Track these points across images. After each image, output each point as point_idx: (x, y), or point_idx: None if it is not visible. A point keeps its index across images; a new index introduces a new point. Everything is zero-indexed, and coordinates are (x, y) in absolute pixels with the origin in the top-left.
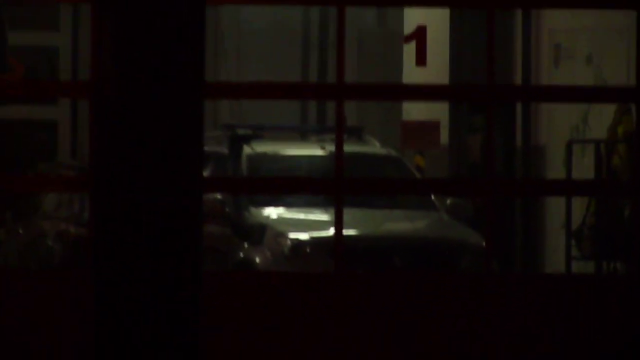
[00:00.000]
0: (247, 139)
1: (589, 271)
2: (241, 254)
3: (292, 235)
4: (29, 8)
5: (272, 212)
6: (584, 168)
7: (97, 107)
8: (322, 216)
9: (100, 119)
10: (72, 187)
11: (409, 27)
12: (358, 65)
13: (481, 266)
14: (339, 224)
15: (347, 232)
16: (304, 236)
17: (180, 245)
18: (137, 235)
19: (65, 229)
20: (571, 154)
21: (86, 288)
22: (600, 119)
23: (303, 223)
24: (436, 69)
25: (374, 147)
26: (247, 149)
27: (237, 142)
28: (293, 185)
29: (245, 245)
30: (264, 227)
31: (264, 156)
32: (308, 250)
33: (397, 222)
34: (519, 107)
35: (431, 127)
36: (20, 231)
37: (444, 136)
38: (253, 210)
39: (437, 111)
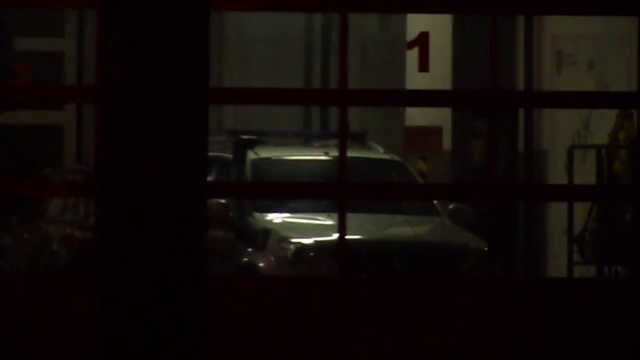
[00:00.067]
0: (251, 144)
1: (590, 276)
2: (245, 258)
3: (296, 239)
4: (34, 14)
5: (276, 217)
6: (586, 173)
7: (102, 112)
8: (326, 221)
9: (105, 123)
10: (77, 191)
11: (411, 33)
12: (361, 71)
13: (483, 271)
14: (342, 229)
15: (350, 236)
16: (307, 241)
17: (184, 250)
18: (140, 239)
19: (70, 233)
20: (573, 159)
21: (89, 291)
22: (602, 124)
23: (306, 228)
24: (439, 75)
25: (377, 153)
26: (251, 154)
27: (241, 147)
28: (296, 190)
29: (249, 249)
30: (267, 232)
31: (267, 161)
32: (311, 254)
33: (400, 227)
34: (521, 113)
35: (434, 132)
36: (26, 235)
37: (447, 141)
38: (257, 214)
39: (439, 116)
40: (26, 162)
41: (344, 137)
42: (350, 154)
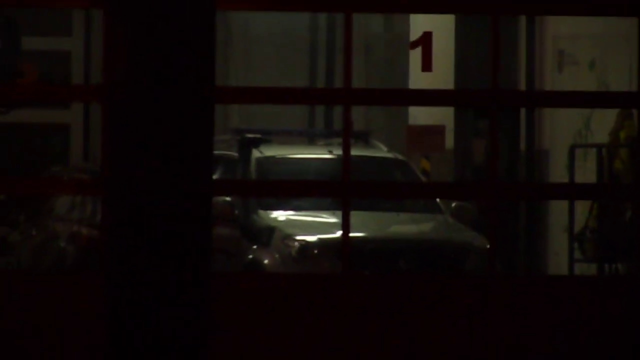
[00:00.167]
0: (256, 143)
1: (591, 273)
2: (250, 256)
3: (300, 237)
4: (42, 13)
5: (280, 215)
6: (587, 172)
7: (109, 111)
8: (330, 219)
9: (112, 122)
10: (84, 189)
11: (415, 33)
12: (365, 70)
13: (485, 268)
14: (346, 227)
15: (354, 234)
16: (311, 238)
17: (187, 249)
18: (142, 239)
19: (77, 230)
20: (574, 158)
21: (93, 291)
22: (603, 123)
23: (311, 225)
24: (442, 75)
25: (381, 151)
26: (256, 153)
27: (246, 146)
28: (301, 188)
29: (254, 247)
30: (272, 230)
31: (272, 160)
32: (315, 252)
33: (403, 225)
34: (522, 112)
35: (437, 131)
36: (34, 233)
37: (449, 140)
38: (261, 212)
39: (442, 116)
40: (33, 161)
41: (347, 135)
42: (354, 152)
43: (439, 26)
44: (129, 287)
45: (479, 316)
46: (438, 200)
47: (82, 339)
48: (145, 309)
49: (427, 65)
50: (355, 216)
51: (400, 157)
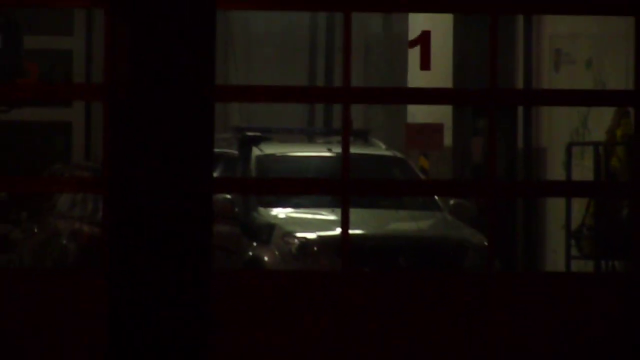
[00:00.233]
0: (256, 141)
1: (588, 270)
2: (250, 253)
3: (300, 234)
4: (43, 13)
5: (280, 212)
6: (584, 170)
7: (110, 110)
8: (329, 216)
9: (112, 122)
10: (85, 187)
11: (413, 32)
12: (364, 69)
13: (484, 265)
14: (345, 224)
15: (353, 231)
16: (311, 235)
17: (186, 249)
18: (145, 239)
19: (79, 228)
20: (571, 156)
21: (92, 290)
22: (600, 122)
23: (310, 223)
24: (440, 73)
25: (380, 149)
26: (256, 151)
27: (246, 144)
28: (301, 186)
29: (254, 244)
30: (272, 227)
31: (272, 158)
32: (315, 249)
33: (402, 222)
34: (520, 111)
35: (435, 129)
36: (36, 230)
37: (448, 138)
38: (262, 210)
39: (441, 114)
40: (36, 159)
41: (347, 134)
42: (353, 150)
43: (438, 25)
44: (129, 287)
45: (478, 313)
46: (436, 197)
47: (82, 339)
48: (145, 308)
49: (425, 64)
50: (354, 213)
51: (399, 155)
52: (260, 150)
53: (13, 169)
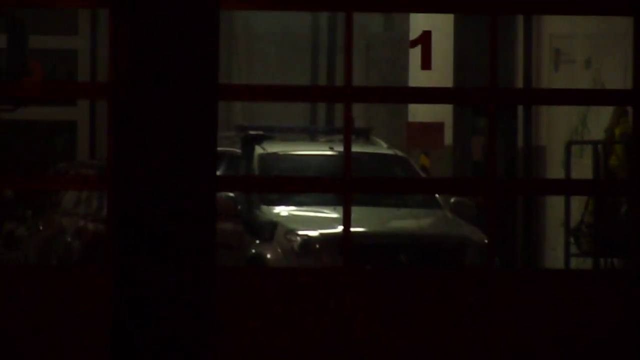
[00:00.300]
0: (259, 140)
1: (587, 267)
2: (253, 250)
3: (302, 232)
4: (48, 13)
5: (283, 210)
6: (583, 168)
7: (115, 109)
8: (331, 214)
9: (116, 122)
10: (90, 185)
11: (414, 32)
12: (366, 69)
13: (484, 262)
14: (347, 222)
15: (355, 229)
16: (313, 233)
17: (192, 248)
18: (147, 238)
19: (83, 225)
20: (570, 155)
21: (93, 290)
22: (599, 121)
23: (312, 220)
24: (441, 73)
25: (381, 148)
26: (258, 149)
27: (249, 143)
28: (303, 184)
29: (257, 242)
30: (274, 225)
31: (275, 156)
32: (317, 246)
33: (403, 220)
34: (520, 110)
35: (436, 128)
36: (41, 227)
37: (448, 137)
38: (264, 207)
39: (441, 113)
40: (41, 157)
41: (348, 132)
42: (355, 149)
43: (438, 25)
44: (130, 287)
45: (480, 309)
46: (437, 195)
47: (83, 340)
48: (146, 309)
49: (426, 64)
50: (356, 211)
51: (400, 153)
52: (263, 148)
53: (19, 167)
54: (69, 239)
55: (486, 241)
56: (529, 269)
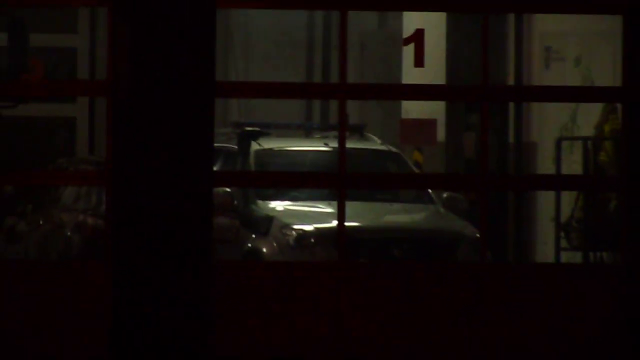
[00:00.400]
0: (255, 136)
1: (576, 261)
2: (249, 245)
3: (297, 226)
4: (48, 11)
5: (278, 205)
6: (573, 164)
7: (114, 109)
8: (326, 209)
9: (116, 120)
10: (89, 180)
11: (407, 30)
12: (360, 66)
13: (476, 256)
14: (341, 216)
15: (349, 223)
16: (308, 228)
17: (190, 248)
18: (145, 238)
19: (82, 220)
20: (560, 151)
21: (93, 288)
22: (588, 117)
23: (307, 215)
24: (434, 70)
25: (375, 144)
26: (254, 145)
27: (245, 139)
28: (298, 180)
29: (253, 236)
30: (270, 219)
31: (270, 152)
32: (312, 240)
33: (396, 215)
34: (511, 106)
35: (429, 124)
36: (41, 222)
37: (441, 133)
38: (260, 202)
39: (434, 110)
40: (41, 153)
41: (343, 129)
42: (349, 145)
43: (431, 24)
44: (130, 287)
45: (473, 303)
46: (430, 191)
47: (82, 339)
48: (145, 308)
49: (419, 61)
50: (350, 206)
51: (393, 149)
52: (259, 144)
53: (19, 163)
54: (68, 234)
55: (478, 236)
56: (520, 264)
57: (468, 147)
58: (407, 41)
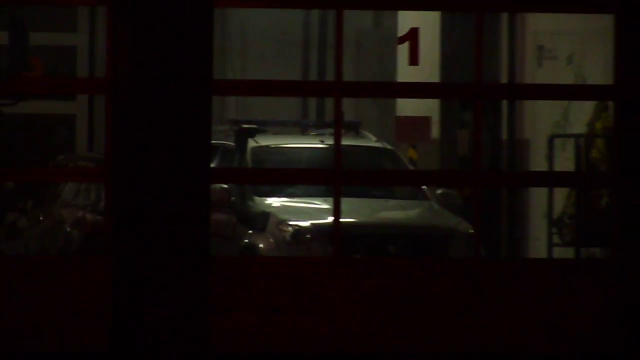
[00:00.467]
0: (252, 133)
1: (569, 257)
2: (245, 240)
3: (294, 222)
4: (48, 10)
5: (275, 201)
6: (565, 161)
7: (114, 109)
8: (322, 205)
9: (116, 120)
10: (88, 177)
11: (402, 29)
12: (355, 64)
13: (469, 252)
14: (337, 212)
15: (345, 220)
16: (304, 223)
17: (188, 247)
18: (144, 237)
19: (82, 216)
20: (553, 148)
21: (93, 287)
22: (580, 115)
23: (303, 211)
24: (428, 68)
25: (370, 141)
26: (251, 142)
27: (242, 136)
28: (294, 176)
29: (250, 232)
30: (267, 215)
31: (267, 149)
32: (308, 236)
33: (391, 211)
34: (504, 104)
35: (423, 122)
36: (41, 218)
37: (435, 131)
38: (257, 199)
39: (428, 107)
40: (41, 150)
41: (339, 126)
42: (345, 142)
43: (426, 23)
44: (130, 286)
45: (467, 297)
46: (424, 187)
47: (82, 338)
48: (145, 308)
49: (414, 60)
50: (346, 203)
51: (388, 146)
52: (256, 141)
53: (19, 160)
54: (68, 229)
55: (471, 231)
56: (513, 259)
57: (462, 144)
58: (402, 40)
